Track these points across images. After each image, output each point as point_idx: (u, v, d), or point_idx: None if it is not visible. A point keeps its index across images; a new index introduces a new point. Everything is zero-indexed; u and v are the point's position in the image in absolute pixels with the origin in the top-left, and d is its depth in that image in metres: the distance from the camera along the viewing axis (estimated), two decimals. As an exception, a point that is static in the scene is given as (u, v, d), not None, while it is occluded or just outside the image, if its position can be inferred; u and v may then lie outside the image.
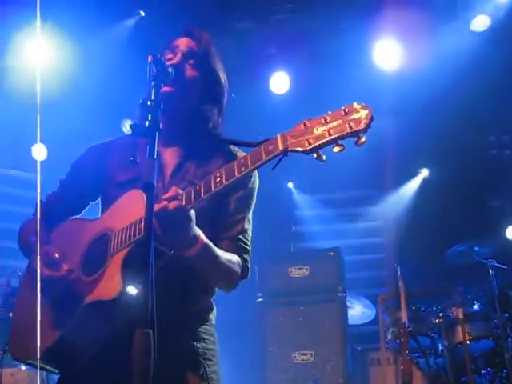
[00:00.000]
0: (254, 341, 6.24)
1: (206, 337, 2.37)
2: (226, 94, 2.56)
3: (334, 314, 6.03)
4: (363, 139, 1.82)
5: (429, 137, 6.73)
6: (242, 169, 1.98)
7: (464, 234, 6.45)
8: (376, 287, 6.74)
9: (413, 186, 7.76)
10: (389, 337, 6.02)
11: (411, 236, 7.19)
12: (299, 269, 6.20)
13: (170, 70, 2.16)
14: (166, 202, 2.00)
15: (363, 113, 1.81)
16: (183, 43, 2.49)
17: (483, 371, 5.89)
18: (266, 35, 6.59)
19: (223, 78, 2.56)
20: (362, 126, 1.80)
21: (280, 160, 1.95)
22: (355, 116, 1.81)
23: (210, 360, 2.33)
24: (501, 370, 5.80)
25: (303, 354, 5.92)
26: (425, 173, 7.74)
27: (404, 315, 5.72)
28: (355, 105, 1.84)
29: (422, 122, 6.55)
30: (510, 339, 5.75)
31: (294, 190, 8.08)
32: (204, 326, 2.38)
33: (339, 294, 6.08)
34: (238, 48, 6.45)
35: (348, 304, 6.30)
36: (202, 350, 2.32)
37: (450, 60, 6.36)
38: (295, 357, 5.94)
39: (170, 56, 2.43)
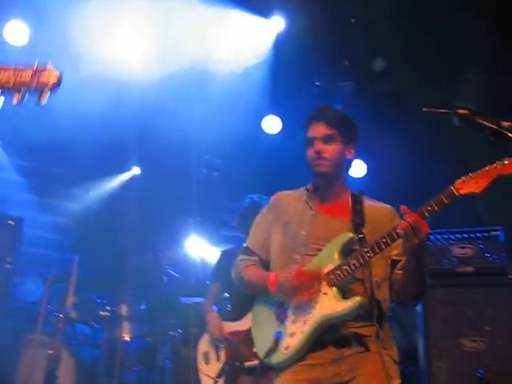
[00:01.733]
0: None
1: None
2: None
3: (-3, 284, 5.73)
4: (45, 98, 1.95)
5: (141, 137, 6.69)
6: None
7: (152, 241, 6.65)
8: (51, 267, 6.53)
9: (120, 179, 7.76)
10: (49, 320, 5.93)
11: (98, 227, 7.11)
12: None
13: None
14: None
15: (53, 73, 1.96)
16: None
17: (135, 368, 6.14)
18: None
19: None
20: (50, 84, 1.94)
21: None
22: (45, 74, 1.95)
23: None
24: (151, 369, 6.07)
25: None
26: (136, 170, 7.82)
27: (69, 301, 5.70)
28: (48, 65, 1.97)
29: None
30: (167, 343, 6.06)
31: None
32: None
33: (8, 266, 5.81)
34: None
35: (17, 278, 6.04)
36: None
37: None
38: None
39: None
